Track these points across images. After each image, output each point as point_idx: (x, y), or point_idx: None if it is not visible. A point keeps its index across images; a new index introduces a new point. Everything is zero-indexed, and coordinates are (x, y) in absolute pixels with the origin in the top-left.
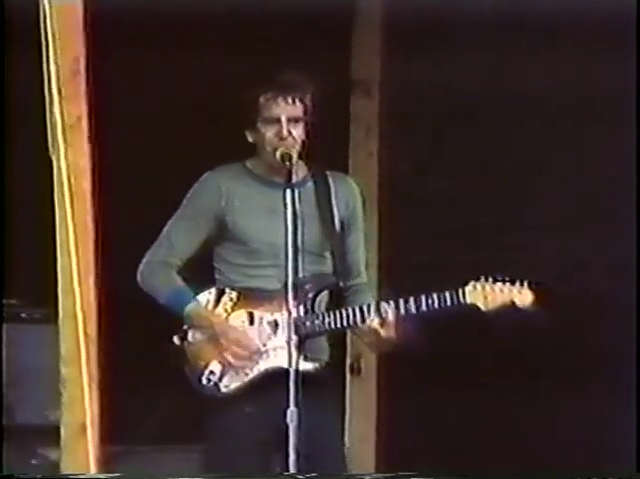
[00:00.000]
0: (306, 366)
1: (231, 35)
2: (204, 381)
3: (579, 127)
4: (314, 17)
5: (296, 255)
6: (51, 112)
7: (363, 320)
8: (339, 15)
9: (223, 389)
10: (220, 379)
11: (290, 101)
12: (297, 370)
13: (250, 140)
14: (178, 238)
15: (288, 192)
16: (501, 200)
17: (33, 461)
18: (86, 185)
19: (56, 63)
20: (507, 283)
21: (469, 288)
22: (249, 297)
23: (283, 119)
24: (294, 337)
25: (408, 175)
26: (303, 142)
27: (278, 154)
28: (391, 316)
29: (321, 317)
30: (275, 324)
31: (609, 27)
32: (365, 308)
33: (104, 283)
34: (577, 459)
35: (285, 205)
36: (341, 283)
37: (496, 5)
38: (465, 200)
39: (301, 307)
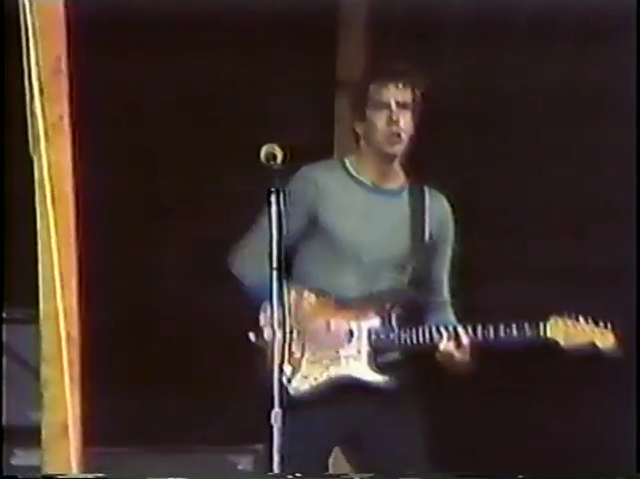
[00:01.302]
0: (376, 378)
1: (215, 34)
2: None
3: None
4: (299, 16)
5: (381, 265)
6: (32, 111)
7: (438, 341)
8: (324, 14)
9: (292, 392)
10: (290, 381)
11: (400, 86)
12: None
13: (359, 132)
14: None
15: (273, 196)
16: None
17: (13, 462)
18: (68, 184)
19: (37, 62)
20: (591, 323)
21: (550, 323)
22: (327, 302)
23: (393, 103)
24: (368, 349)
25: None
26: (410, 131)
27: (263, 152)
28: (466, 341)
29: (397, 332)
30: (350, 333)
31: (609, 27)
32: (442, 330)
33: (86, 284)
34: (577, 459)
35: (270, 204)
36: (419, 299)
37: (486, 3)
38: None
39: (378, 319)
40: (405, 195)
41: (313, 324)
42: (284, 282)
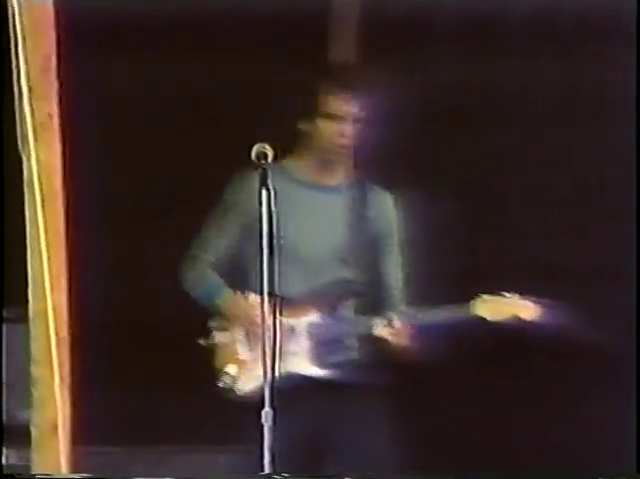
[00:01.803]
0: (318, 373)
1: (203, 34)
2: (220, 384)
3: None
4: (289, 15)
5: (322, 261)
6: (21, 109)
7: (376, 329)
8: (315, 14)
9: (239, 393)
10: (236, 382)
11: (350, 97)
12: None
13: (304, 133)
14: (212, 235)
15: (264, 193)
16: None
17: (2, 462)
18: (57, 183)
19: (26, 60)
20: (514, 296)
21: (475, 300)
22: (270, 301)
23: (344, 114)
24: (309, 343)
25: (384, 171)
26: (357, 139)
27: (254, 152)
28: (398, 326)
29: (340, 325)
30: (292, 330)
31: (609, 27)
32: (377, 318)
33: (75, 283)
34: (577, 459)
35: (261, 204)
36: (364, 292)
37: (479, 4)
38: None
39: (318, 314)
40: (347, 190)
41: (257, 324)
42: (225, 285)
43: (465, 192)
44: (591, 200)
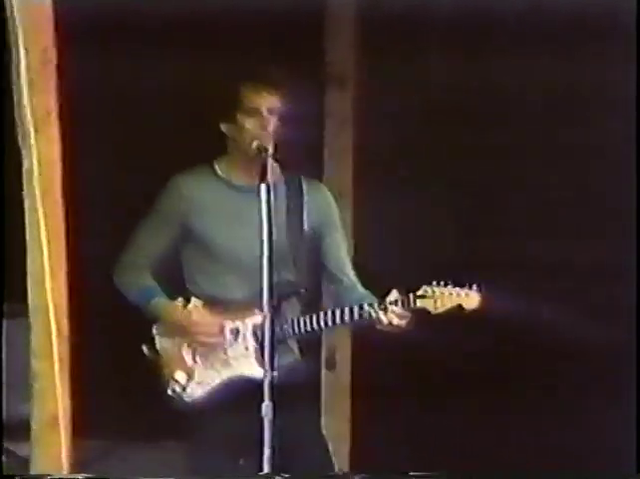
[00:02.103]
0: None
1: (203, 29)
2: (169, 391)
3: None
4: (287, 10)
5: (268, 258)
6: (20, 103)
7: (325, 325)
8: (312, 8)
9: (187, 399)
10: (184, 389)
11: (271, 93)
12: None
13: (226, 132)
14: (145, 239)
15: (263, 187)
16: (481, 200)
17: (2, 457)
18: (57, 177)
19: (26, 53)
20: (457, 287)
21: (419, 293)
22: (213, 306)
23: (264, 110)
24: (254, 345)
25: (382, 169)
26: (278, 137)
27: (254, 145)
28: (347, 320)
29: (288, 324)
30: (237, 332)
31: (609, 27)
32: (324, 315)
33: (75, 277)
34: (577, 459)
35: (260, 201)
36: (303, 290)
37: (476, 3)
38: (440, 196)
39: (263, 315)
40: (282, 188)
41: (202, 330)
42: (163, 292)
43: (421, 180)
44: (591, 200)
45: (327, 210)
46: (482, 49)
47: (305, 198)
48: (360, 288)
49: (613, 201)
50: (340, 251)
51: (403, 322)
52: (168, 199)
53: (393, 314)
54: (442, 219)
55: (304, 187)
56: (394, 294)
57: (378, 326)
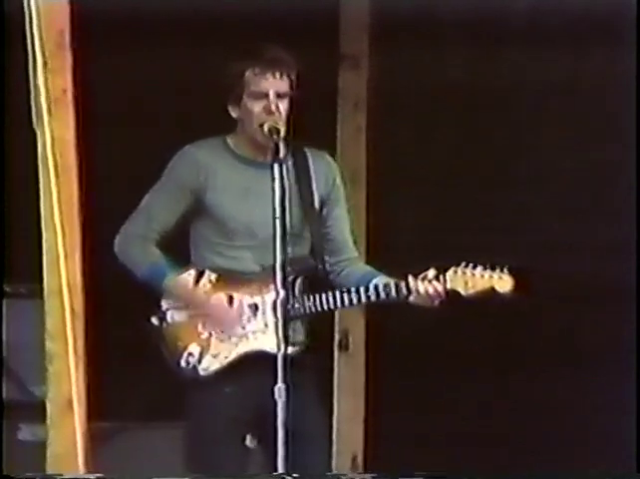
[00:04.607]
0: (287, 350)
1: (217, 11)
2: (183, 364)
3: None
4: (300, 12)
5: (281, 237)
6: (35, 85)
7: (349, 303)
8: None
9: (202, 372)
10: (199, 362)
11: (278, 76)
12: (283, 352)
13: (234, 115)
14: (156, 211)
15: (276, 167)
16: (491, 180)
17: (19, 437)
18: (71, 159)
19: (40, 36)
20: (488, 269)
21: (449, 274)
22: (228, 280)
23: (271, 93)
24: (275, 320)
25: (396, 150)
26: (288, 117)
27: (266, 127)
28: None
29: (303, 300)
30: (255, 308)
31: (609, 27)
32: (346, 293)
33: (90, 258)
34: (577, 459)
35: (273, 180)
36: (321, 266)
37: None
38: (453, 177)
39: (281, 291)
40: (289, 162)
41: (217, 303)
42: (177, 266)
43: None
44: (591, 199)
45: (333, 178)
46: (498, 34)
47: (312, 169)
48: (363, 265)
49: (613, 200)
50: (345, 227)
51: (436, 302)
52: (185, 167)
53: (431, 287)
54: (458, 201)
55: (309, 157)
56: (432, 272)
57: (411, 299)
